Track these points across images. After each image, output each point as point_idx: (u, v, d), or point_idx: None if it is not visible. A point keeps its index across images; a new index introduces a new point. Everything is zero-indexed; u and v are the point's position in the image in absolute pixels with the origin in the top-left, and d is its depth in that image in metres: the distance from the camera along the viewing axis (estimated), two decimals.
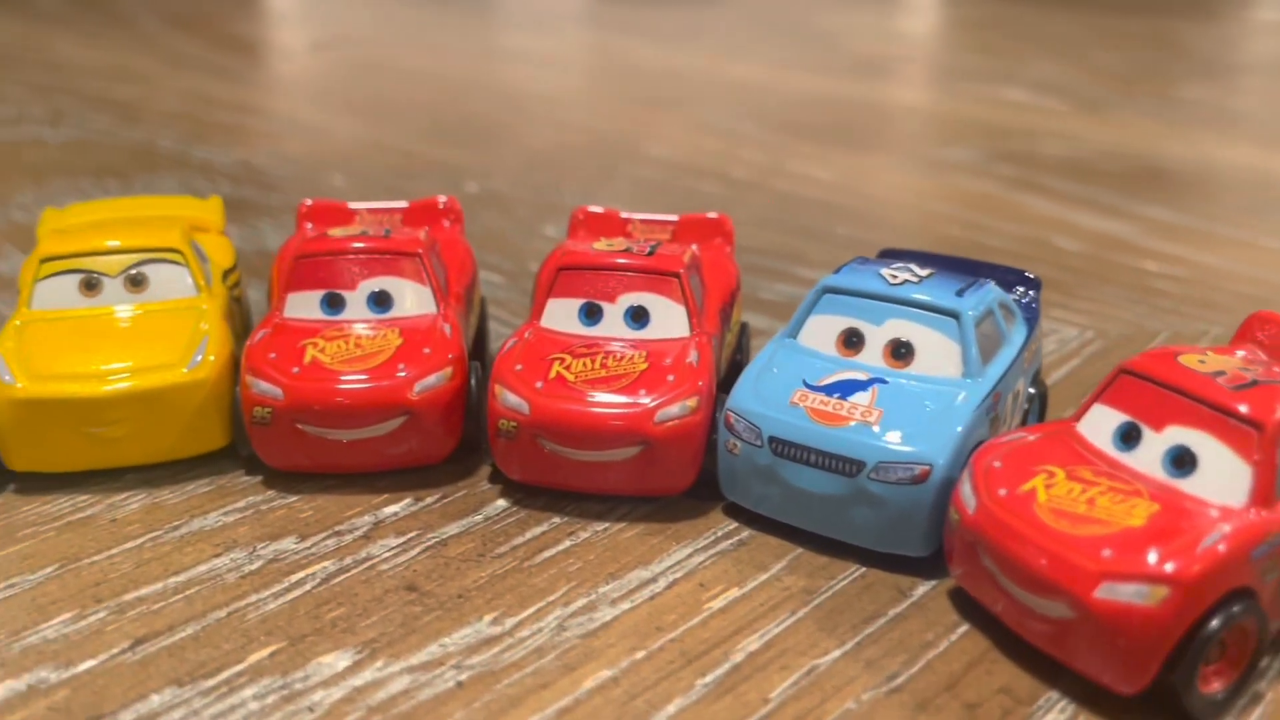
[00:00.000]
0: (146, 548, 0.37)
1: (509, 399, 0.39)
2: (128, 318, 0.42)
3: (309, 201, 0.51)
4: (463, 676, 0.31)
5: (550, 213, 0.75)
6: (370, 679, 0.31)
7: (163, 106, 1.05)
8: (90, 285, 0.43)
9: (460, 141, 0.96)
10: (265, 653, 0.32)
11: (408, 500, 0.40)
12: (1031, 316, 0.42)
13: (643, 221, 0.49)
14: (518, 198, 0.78)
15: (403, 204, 0.51)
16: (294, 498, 0.40)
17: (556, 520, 0.39)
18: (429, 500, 0.40)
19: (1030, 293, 0.44)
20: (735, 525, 0.39)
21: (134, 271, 0.43)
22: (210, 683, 0.31)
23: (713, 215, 0.50)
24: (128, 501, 0.40)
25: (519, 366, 0.39)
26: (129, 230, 0.44)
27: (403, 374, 0.40)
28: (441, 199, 0.52)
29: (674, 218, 0.50)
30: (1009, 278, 0.44)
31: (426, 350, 0.41)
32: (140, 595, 0.35)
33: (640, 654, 0.32)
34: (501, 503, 0.40)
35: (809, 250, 0.68)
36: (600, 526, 0.39)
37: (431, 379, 0.40)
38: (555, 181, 0.82)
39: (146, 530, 0.38)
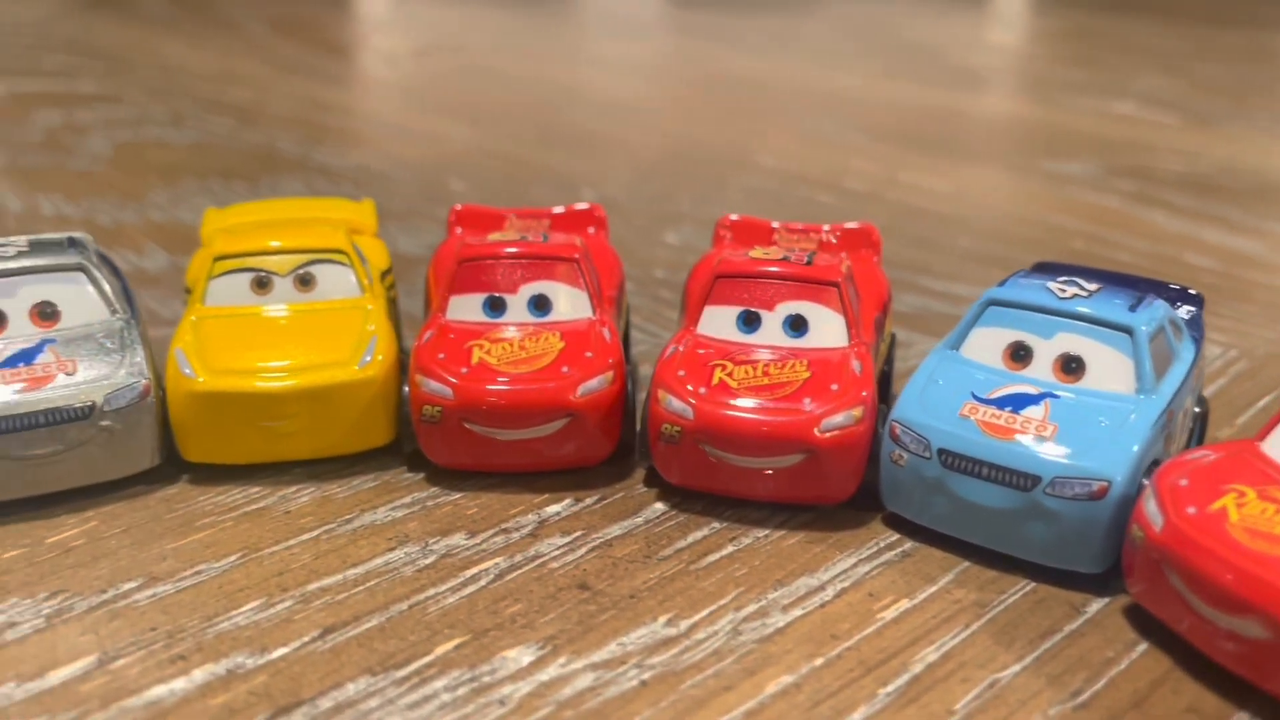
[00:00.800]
0: (322, 540, 0.38)
1: (672, 404, 0.39)
2: (298, 316, 0.43)
3: (459, 206, 0.52)
4: (645, 676, 0.32)
5: (668, 220, 0.75)
6: (555, 675, 0.32)
7: (276, 110, 1.08)
8: (261, 284, 0.44)
9: (568, 148, 0.97)
10: (450, 645, 0.33)
11: (568, 500, 0.41)
12: (1197, 333, 0.42)
13: (789, 230, 0.50)
14: (634, 206, 0.79)
15: (555, 209, 0.52)
16: (458, 495, 0.41)
17: (717, 525, 0.39)
18: (589, 501, 0.41)
19: (1193, 309, 0.43)
20: (897, 536, 0.39)
21: (303, 271, 0.44)
22: (401, 673, 0.32)
23: (854, 226, 0.50)
24: (298, 495, 0.41)
25: (681, 372, 0.40)
26: (297, 231, 0.45)
27: (567, 376, 0.41)
28: (583, 205, 0.52)
29: (825, 226, 0.50)
30: (1171, 294, 0.44)
31: (588, 354, 0.42)
32: (323, 586, 0.36)
33: (819, 661, 0.33)
34: (660, 506, 0.41)
35: (933, 262, 0.67)
36: (761, 533, 0.39)
37: (594, 382, 0.41)
38: (669, 190, 0.83)
39: (319, 523, 0.39)
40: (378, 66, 1.41)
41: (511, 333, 0.42)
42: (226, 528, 0.39)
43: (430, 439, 0.41)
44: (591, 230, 0.52)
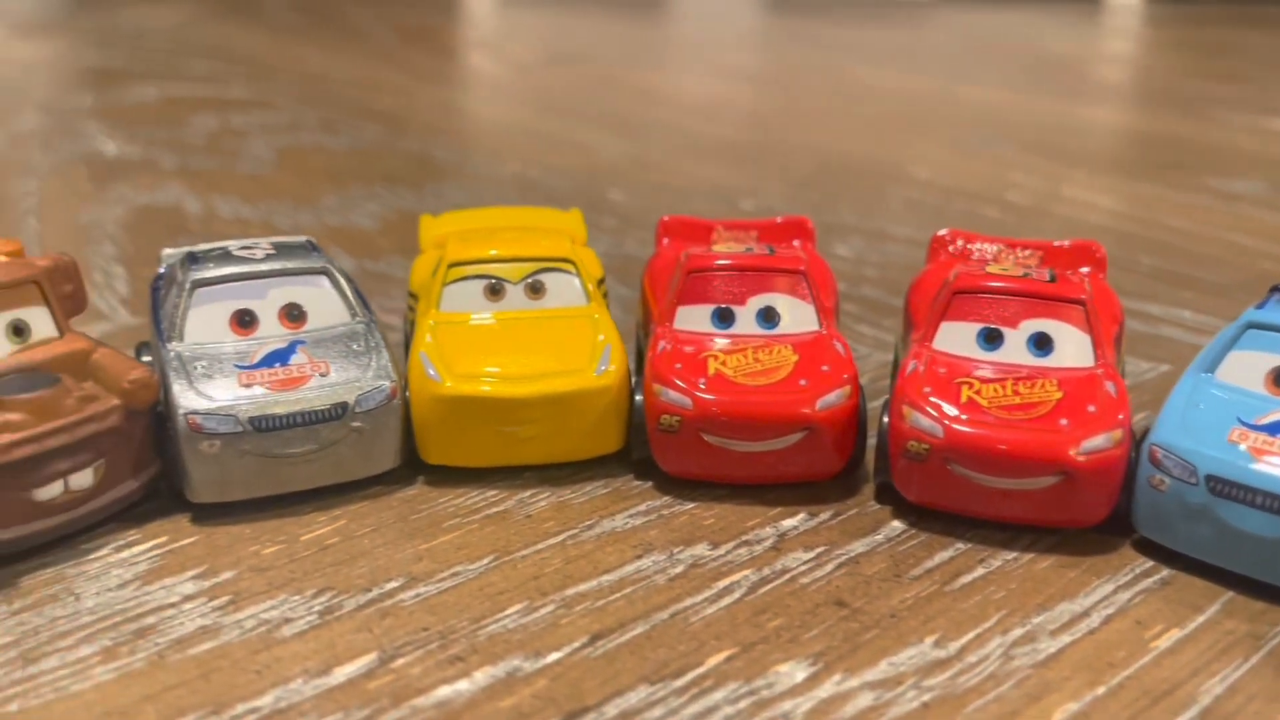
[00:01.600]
0: (569, 545, 0.39)
1: (920, 421, 0.39)
2: (531, 323, 0.44)
3: (667, 217, 0.52)
4: (926, 698, 0.31)
5: (835, 232, 0.75)
6: (833, 692, 0.32)
7: (423, 118, 1.10)
8: (494, 290, 0.45)
9: (717, 159, 0.97)
10: (721, 657, 0.33)
11: (803, 515, 0.41)
12: None
13: (1008, 245, 0.49)
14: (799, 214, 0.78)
15: (763, 221, 0.52)
16: (691, 505, 0.41)
17: (961, 546, 0.39)
18: (824, 516, 0.41)
19: None
20: (1152, 563, 0.38)
21: (533, 279, 0.45)
22: (679, 682, 0.32)
23: (1064, 243, 0.49)
24: (535, 499, 0.42)
25: (927, 389, 0.39)
26: (527, 239, 0.46)
27: (805, 390, 0.40)
28: (791, 218, 0.52)
29: (1055, 242, 0.49)
30: None
31: (825, 368, 0.41)
32: (580, 591, 0.36)
33: (1101, 689, 0.32)
34: (898, 524, 0.40)
35: (1121, 280, 0.66)
36: (1010, 555, 0.38)
37: (832, 396, 0.41)
38: (828, 201, 0.82)
39: (562, 528, 0.40)
40: (512, 76, 1.42)
41: (744, 345, 0.42)
42: (473, 530, 0.40)
43: (664, 448, 0.41)
44: (796, 243, 0.52)
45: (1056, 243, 0.49)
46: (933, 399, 0.39)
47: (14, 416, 0.36)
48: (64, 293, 0.40)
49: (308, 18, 1.91)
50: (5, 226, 0.73)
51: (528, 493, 0.42)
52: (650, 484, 0.43)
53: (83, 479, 0.37)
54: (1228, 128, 1.09)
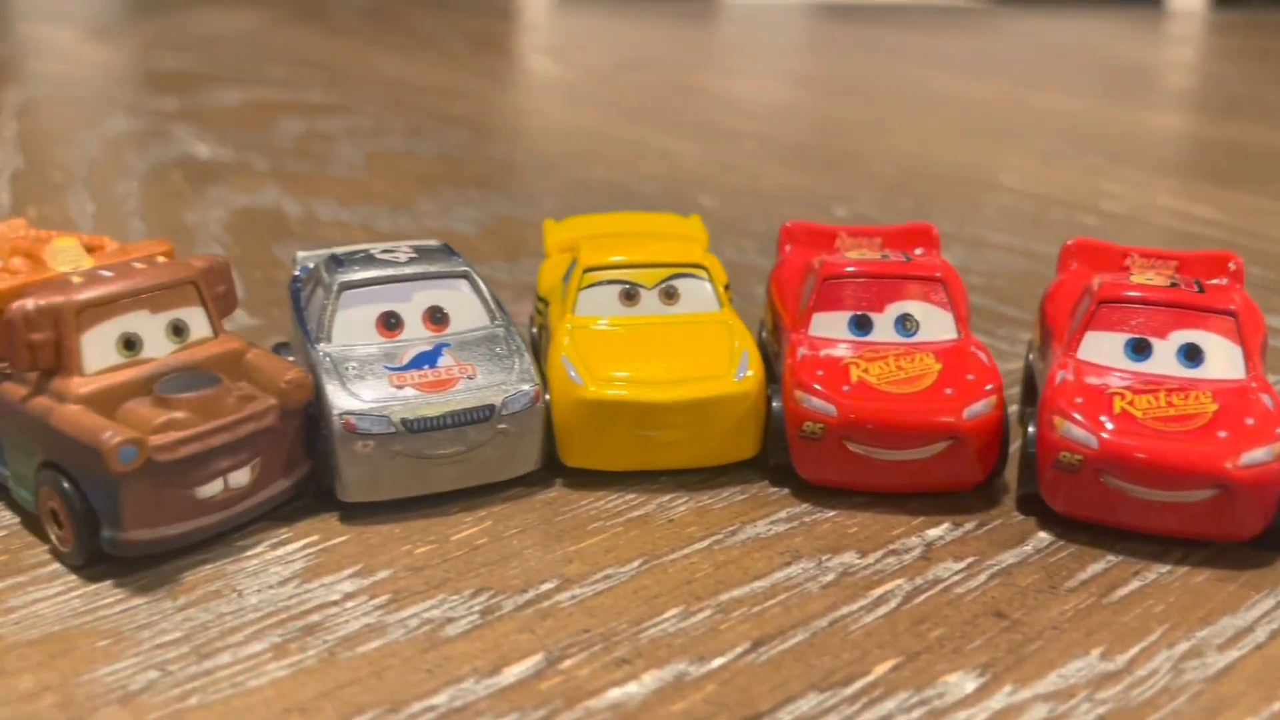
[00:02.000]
0: (716, 550, 0.39)
1: (1073, 432, 0.38)
2: (667, 328, 0.44)
3: (789, 223, 0.52)
4: (1101, 711, 0.31)
5: None
6: (1005, 704, 0.31)
7: (503, 122, 1.11)
8: (629, 296, 0.45)
9: (802, 166, 0.97)
10: (887, 666, 0.33)
11: (947, 525, 0.41)
12: None
13: (1141, 254, 0.49)
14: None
15: (896, 227, 0.52)
16: (832, 512, 0.41)
17: (1112, 558, 0.39)
18: (969, 526, 0.41)
19: None
20: None
21: (667, 285, 0.45)
22: (848, 690, 0.32)
23: (1197, 254, 0.49)
24: (674, 504, 0.42)
25: (1079, 399, 0.39)
26: (660, 245, 0.46)
27: (952, 399, 0.40)
28: (916, 225, 0.52)
29: (1187, 252, 0.48)
30: None
31: (970, 376, 0.41)
32: (734, 597, 0.36)
33: (1277, 704, 0.32)
34: (1044, 535, 0.40)
35: None
36: (1164, 568, 0.38)
37: (979, 405, 0.40)
38: (921, 208, 0.82)
39: (706, 533, 0.40)
40: (584, 81, 1.43)
41: (885, 352, 0.42)
42: (618, 533, 0.40)
43: (806, 455, 0.41)
44: (919, 251, 0.52)
45: (1188, 253, 0.49)
46: (1085, 409, 0.39)
47: (179, 415, 0.36)
48: (217, 293, 0.40)
49: (374, 22, 1.92)
50: (111, 228, 0.74)
51: (666, 497, 0.42)
52: (787, 490, 0.43)
53: (241, 477, 0.38)
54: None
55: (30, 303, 0.36)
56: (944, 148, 1.03)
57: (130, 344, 0.38)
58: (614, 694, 0.32)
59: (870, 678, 0.32)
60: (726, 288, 0.49)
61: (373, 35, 1.76)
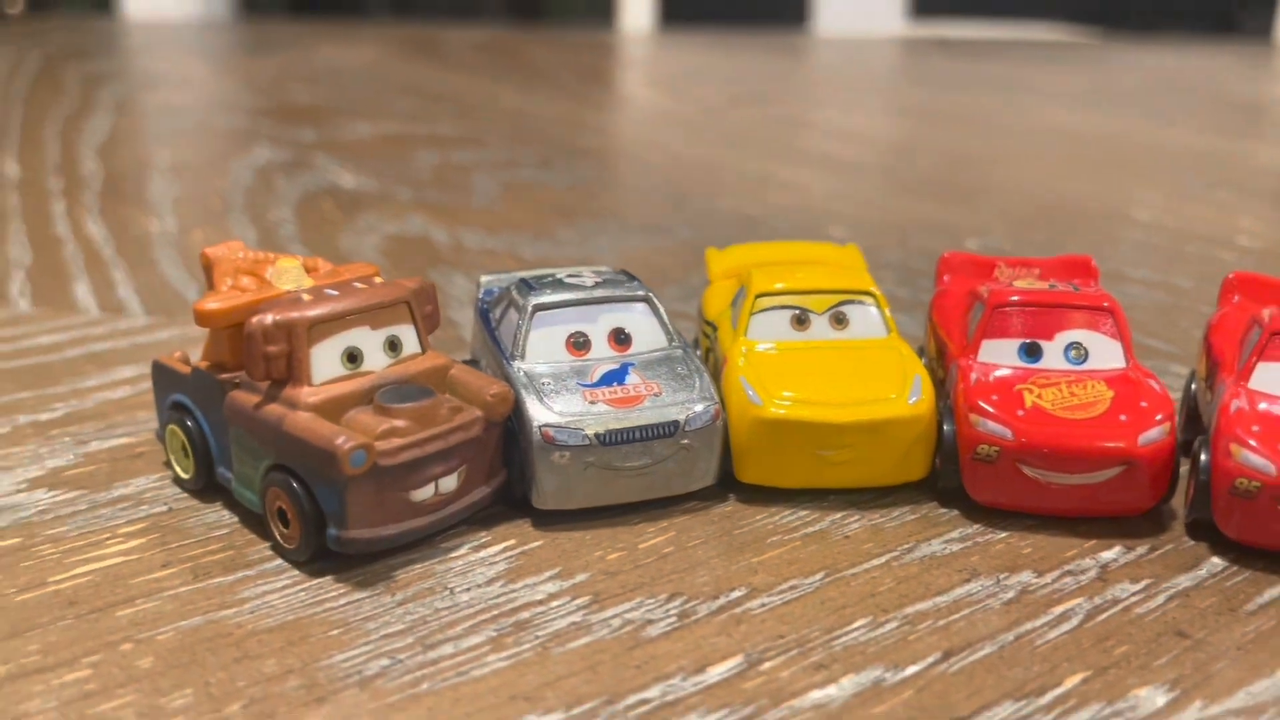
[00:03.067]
0: (895, 567, 0.40)
1: (1250, 459, 0.39)
2: (839, 352, 0.46)
3: (947, 254, 0.54)
4: None
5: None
6: (1197, 718, 0.33)
7: (627, 154, 1.14)
8: (800, 320, 0.47)
9: (932, 198, 0.98)
10: (1077, 679, 0.34)
11: (1119, 548, 0.42)
12: None
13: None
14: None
15: (1053, 258, 0.54)
16: (1004, 534, 0.43)
17: None
18: (1141, 550, 0.41)
19: None
20: None
21: (837, 310, 0.47)
22: (1043, 700, 0.33)
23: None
24: (847, 521, 0.43)
25: (1255, 427, 0.40)
26: (829, 273, 0.48)
27: (1126, 425, 0.42)
28: (1074, 256, 0.54)
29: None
30: None
31: (1143, 404, 0.42)
32: (919, 610, 0.38)
33: None
34: (1217, 559, 0.41)
35: None
36: None
37: (1154, 432, 0.41)
38: (1054, 241, 0.83)
39: (883, 550, 0.41)
40: (700, 116, 1.46)
41: (1057, 379, 0.44)
42: (797, 547, 0.42)
43: (978, 478, 0.43)
44: (1076, 284, 0.53)
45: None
46: (1261, 437, 0.40)
47: (400, 423, 0.39)
48: (426, 312, 0.43)
49: (487, 57, 1.99)
50: (274, 251, 0.78)
51: (839, 514, 0.44)
52: (957, 512, 0.44)
53: (449, 483, 0.40)
54: None
55: (269, 317, 0.39)
56: (1070, 182, 1.03)
57: (353, 357, 0.41)
58: (815, 695, 0.33)
59: (1062, 689, 0.34)
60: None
61: (486, 69, 1.82)
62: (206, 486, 0.44)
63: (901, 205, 0.95)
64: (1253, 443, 0.40)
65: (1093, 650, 0.36)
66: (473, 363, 0.50)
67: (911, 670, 0.35)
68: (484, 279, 0.52)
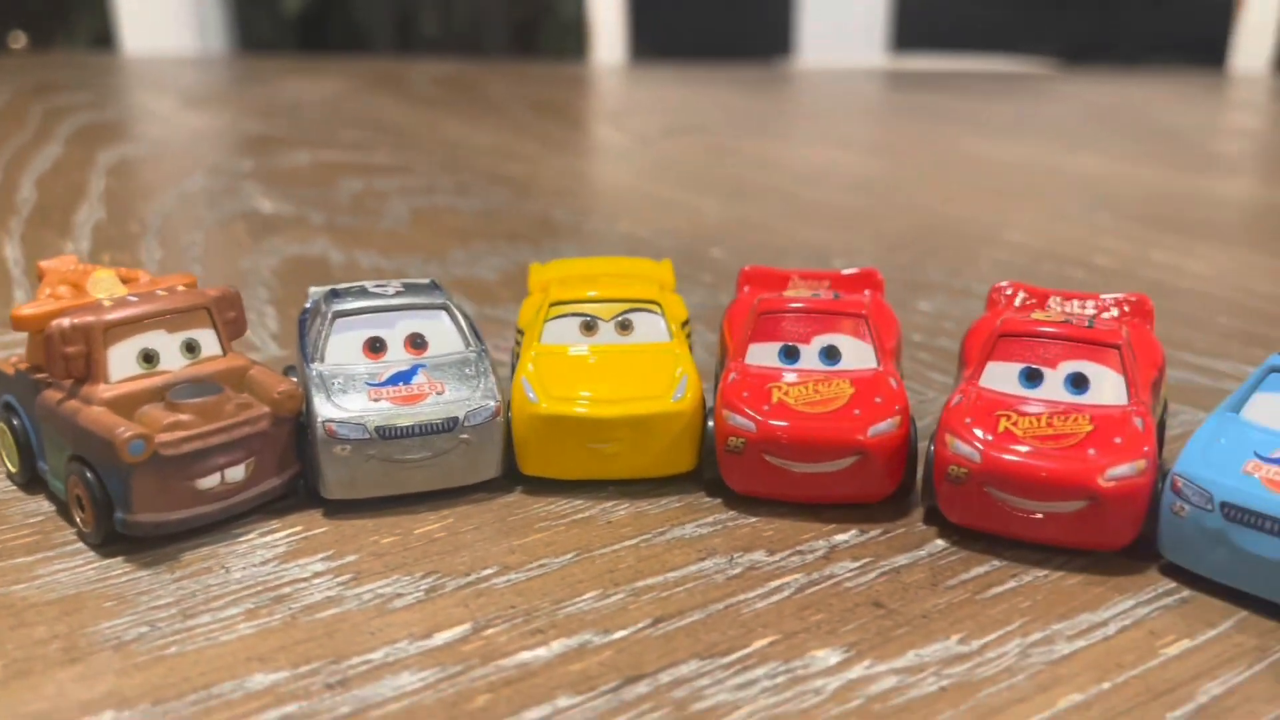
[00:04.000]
0: (642, 547, 0.44)
1: (959, 448, 0.43)
2: (619, 355, 0.50)
3: (747, 267, 0.58)
4: (944, 683, 0.35)
5: (920, 289, 0.79)
6: (861, 674, 0.36)
7: (548, 183, 1.18)
8: (588, 327, 0.51)
9: (816, 222, 1.02)
10: (765, 641, 0.38)
11: (854, 531, 0.45)
12: None
13: (1065, 297, 0.53)
14: (887, 275, 0.82)
15: (835, 272, 0.57)
16: (754, 519, 0.46)
17: (996, 563, 0.43)
18: (874, 533, 0.45)
19: None
20: (1175, 584, 0.41)
21: (623, 318, 0.51)
22: (726, 659, 0.37)
23: (1133, 297, 0.53)
24: (616, 508, 0.47)
25: (968, 419, 0.44)
26: (618, 284, 0.52)
27: (858, 418, 0.45)
28: (860, 269, 0.57)
29: (1109, 296, 0.53)
30: None
31: (877, 399, 0.46)
32: (648, 584, 0.41)
33: (1106, 684, 0.35)
34: (941, 542, 0.44)
35: (1193, 338, 0.68)
36: (1041, 573, 0.42)
37: (883, 425, 0.45)
38: (918, 260, 0.86)
39: (638, 533, 0.45)
40: (633, 145, 1.51)
41: (806, 379, 0.47)
42: (560, 531, 0.45)
43: (731, 467, 0.46)
44: (867, 293, 0.57)
45: (1109, 296, 0.53)
46: (973, 429, 0.43)
47: (185, 417, 0.43)
48: (228, 318, 0.47)
49: (449, 91, 2.04)
50: (174, 272, 0.83)
51: (610, 503, 0.48)
52: (719, 500, 0.48)
53: (236, 473, 0.44)
54: None
55: (66, 321, 0.43)
56: (960, 206, 1.08)
57: (149, 358, 0.45)
58: (524, 655, 0.37)
59: (748, 650, 0.37)
60: (685, 324, 0.55)
61: (444, 102, 1.87)
62: (32, 480, 0.48)
63: (788, 229, 0.99)
64: (966, 434, 0.43)
65: (791, 618, 0.39)
66: (291, 369, 0.54)
67: (619, 635, 0.38)
68: (311, 290, 0.55)
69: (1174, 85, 2.12)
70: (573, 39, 2.78)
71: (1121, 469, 0.41)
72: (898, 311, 0.74)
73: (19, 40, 3.37)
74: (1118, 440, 0.42)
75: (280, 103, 1.86)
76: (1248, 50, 2.42)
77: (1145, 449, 0.42)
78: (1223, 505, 0.39)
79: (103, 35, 3.15)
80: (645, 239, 0.94)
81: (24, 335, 0.48)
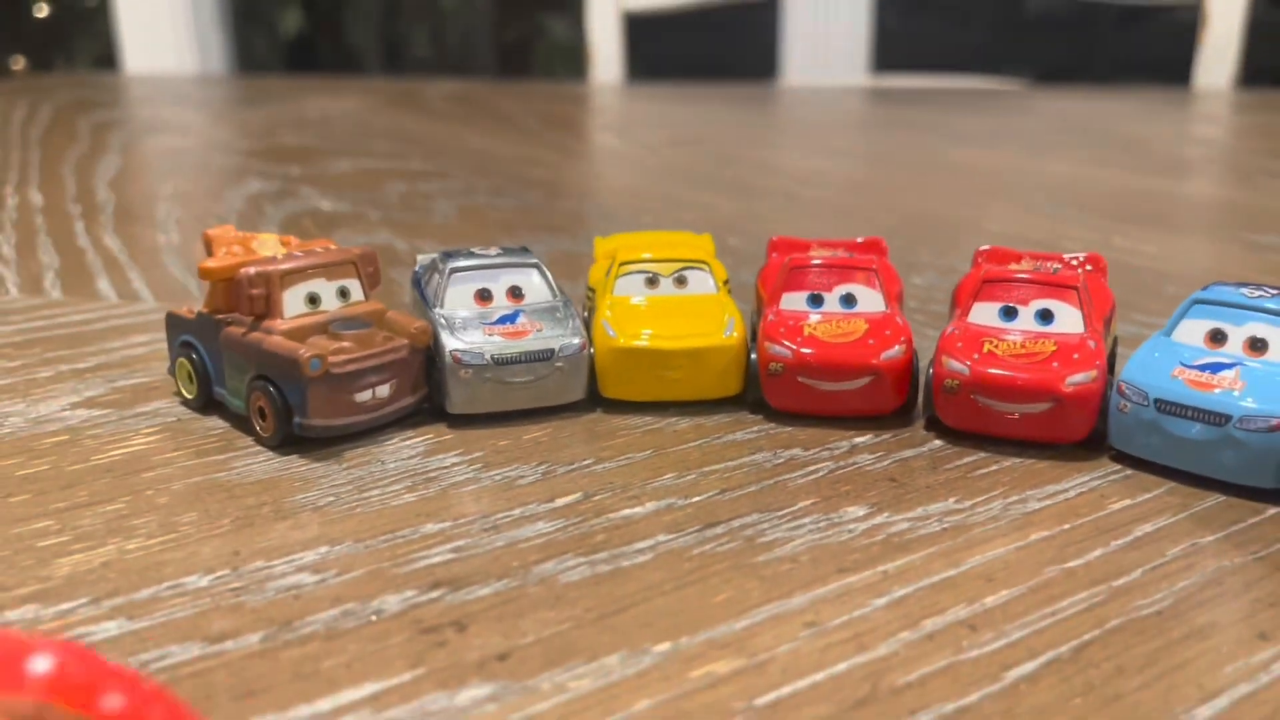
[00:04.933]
0: (704, 447, 0.56)
1: (953, 365, 0.55)
2: (678, 302, 0.62)
3: (775, 237, 0.70)
4: (944, 525, 0.47)
5: (914, 266, 0.91)
6: (881, 521, 0.48)
7: (572, 185, 1.30)
8: (652, 281, 0.63)
9: (816, 216, 1.15)
10: (808, 502, 0.49)
11: (870, 435, 0.57)
12: None
13: (1034, 257, 0.65)
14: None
15: (854, 240, 0.69)
16: (791, 428, 0.58)
17: (982, 454, 0.55)
18: (885, 436, 0.57)
19: None
20: (1121, 467, 0.53)
21: (679, 274, 0.63)
22: (780, 513, 0.48)
23: (1081, 256, 0.65)
24: (679, 422, 0.59)
25: (959, 344, 0.56)
26: (675, 247, 0.64)
27: (872, 347, 0.57)
28: (862, 239, 0.69)
29: (1072, 255, 0.65)
30: None
31: (888, 333, 0.58)
32: (713, 469, 0.53)
33: (1066, 525, 0.47)
34: (939, 441, 0.56)
35: (1145, 302, 0.81)
36: (1017, 459, 0.54)
37: (892, 351, 0.57)
38: (910, 245, 0.99)
39: (699, 437, 0.57)
40: (643, 153, 1.63)
41: (831, 318, 0.59)
42: (637, 436, 0.57)
43: (772, 388, 0.58)
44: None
45: (1070, 256, 0.65)
46: (964, 351, 0.55)
47: (346, 344, 0.55)
48: (369, 271, 0.59)
49: (463, 107, 2.17)
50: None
51: (674, 418, 0.59)
52: (761, 416, 0.60)
53: (384, 390, 0.56)
54: (1272, 194, 1.23)
55: (252, 269, 0.55)
56: (942, 204, 1.20)
57: (313, 300, 0.56)
58: (625, 511, 0.49)
59: (794, 507, 0.49)
60: (726, 282, 0.67)
61: (461, 117, 1.99)
62: (207, 405, 0.60)
63: (793, 222, 1.11)
64: (958, 354, 0.55)
65: (825, 488, 0.51)
66: None
67: (696, 499, 0.50)
68: (420, 257, 0.67)
69: (1140, 101, 2.27)
70: (562, 61, 2.91)
71: (1078, 377, 0.53)
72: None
73: (19, 63, 3.48)
74: (1076, 357, 0.54)
75: (308, 118, 1.98)
76: (1210, 69, 2.57)
77: (1097, 363, 0.54)
78: (1156, 401, 0.51)
79: (103, 57, 3.26)
80: (668, 228, 1.06)
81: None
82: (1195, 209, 1.22)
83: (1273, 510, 0.49)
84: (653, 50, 2.83)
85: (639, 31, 2.82)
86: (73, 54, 3.42)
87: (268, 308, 0.55)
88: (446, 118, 1.98)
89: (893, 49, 2.75)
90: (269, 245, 0.59)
